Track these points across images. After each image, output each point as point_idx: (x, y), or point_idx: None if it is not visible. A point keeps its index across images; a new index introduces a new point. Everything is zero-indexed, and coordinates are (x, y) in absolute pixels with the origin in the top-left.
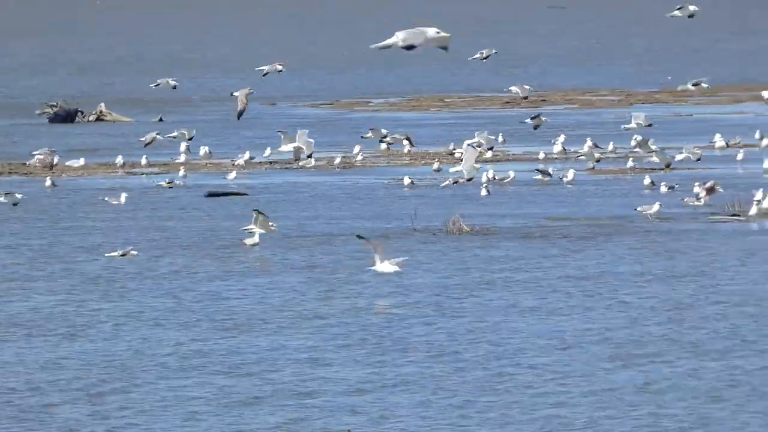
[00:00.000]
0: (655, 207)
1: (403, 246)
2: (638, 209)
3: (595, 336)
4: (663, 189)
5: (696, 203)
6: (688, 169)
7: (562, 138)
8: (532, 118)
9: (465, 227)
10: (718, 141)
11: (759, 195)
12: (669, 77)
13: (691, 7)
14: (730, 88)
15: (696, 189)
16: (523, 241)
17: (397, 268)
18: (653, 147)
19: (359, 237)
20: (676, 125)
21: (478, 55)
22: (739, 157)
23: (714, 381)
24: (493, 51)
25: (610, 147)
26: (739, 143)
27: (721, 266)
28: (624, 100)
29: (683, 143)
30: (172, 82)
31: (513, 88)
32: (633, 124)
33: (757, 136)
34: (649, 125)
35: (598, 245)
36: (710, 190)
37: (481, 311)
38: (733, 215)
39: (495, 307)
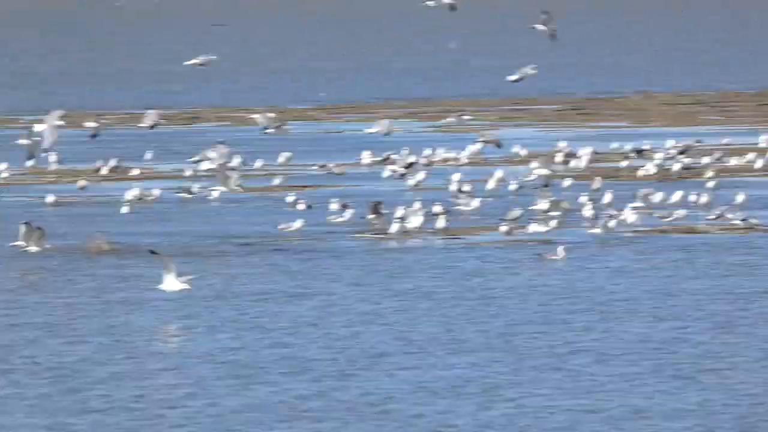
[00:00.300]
0: (297, 224)
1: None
2: (280, 227)
3: (203, 357)
4: (301, 206)
5: (340, 220)
6: (328, 186)
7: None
8: (275, 128)
9: (105, 246)
10: (365, 158)
11: (401, 212)
12: (322, 94)
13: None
14: (382, 105)
15: (334, 206)
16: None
17: (186, 286)
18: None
19: (152, 252)
20: (328, 142)
21: (194, 61)
22: (385, 174)
23: (316, 402)
24: (212, 57)
25: (258, 164)
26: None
27: (345, 284)
28: (277, 117)
29: (333, 161)
30: None
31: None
32: (375, 129)
33: (405, 152)
34: (388, 133)
35: (232, 264)
36: (375, 210)
37: (103, 332)
38: (379, 233)
39: (113, 327)
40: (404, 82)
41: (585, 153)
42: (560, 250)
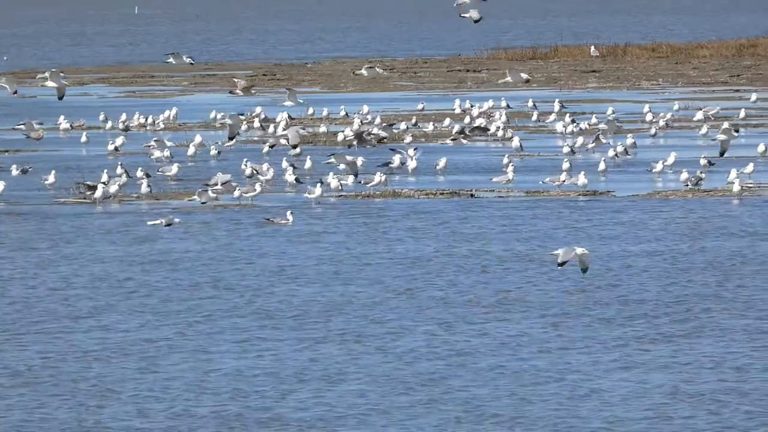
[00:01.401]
0: None
1: None
2: None
3: None
4: (15, 172)
5: (47, 182)
6: (28, 151)
7: None
8: None
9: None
10: (63, 123)
11: (104, 177)
12: (5, 57)
13: None
14: (80, 70)
15: (14, 171)
16: None
17: None
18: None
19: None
20: (24, 107)
21: None
22: (83, 139)
23: None
24: None
25: None
26: (83, 125)
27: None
28: None
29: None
30: None
31: None
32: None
33: (101, 118)
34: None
35: None
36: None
37: None
38: (82, 198)
39: None
40: (96, 48)
41: (281, 119)
42: (288, 215)
